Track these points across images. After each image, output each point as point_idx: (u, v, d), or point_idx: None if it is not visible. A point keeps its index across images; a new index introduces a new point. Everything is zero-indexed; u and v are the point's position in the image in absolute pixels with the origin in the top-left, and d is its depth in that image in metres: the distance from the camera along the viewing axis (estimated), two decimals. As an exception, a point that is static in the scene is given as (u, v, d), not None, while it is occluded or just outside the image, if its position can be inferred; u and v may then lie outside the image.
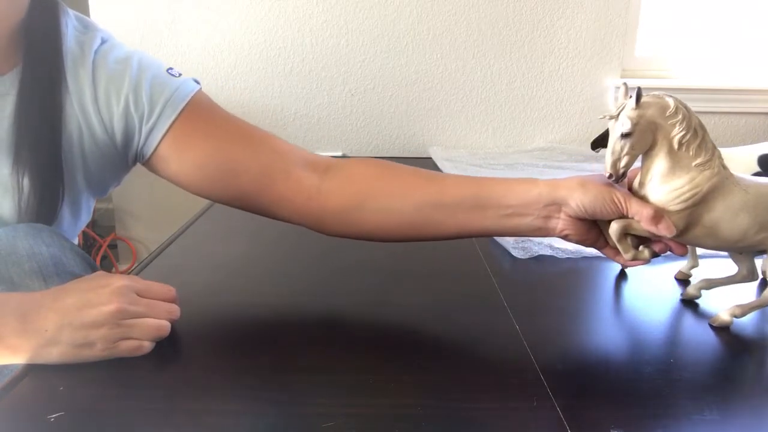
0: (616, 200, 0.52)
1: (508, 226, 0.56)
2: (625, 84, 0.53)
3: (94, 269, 0.56)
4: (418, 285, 0.69)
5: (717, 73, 1.71)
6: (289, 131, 1.66)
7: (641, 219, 0.51)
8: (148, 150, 0.61)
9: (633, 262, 0.55)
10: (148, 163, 0.63)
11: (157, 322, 0.49)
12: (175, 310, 0.52)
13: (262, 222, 0.65)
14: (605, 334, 0.57)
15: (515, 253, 0.79)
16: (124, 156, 0.63)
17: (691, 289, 0.64)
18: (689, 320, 0.61)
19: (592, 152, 0.59)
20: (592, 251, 0.78)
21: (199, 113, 0.61)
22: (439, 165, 1.42)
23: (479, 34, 1.61)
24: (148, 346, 0.49)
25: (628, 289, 0.69)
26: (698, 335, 0.57)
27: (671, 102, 0.50)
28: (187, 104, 0.60)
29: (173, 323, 0.52)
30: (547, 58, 1.64)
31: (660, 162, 0.51)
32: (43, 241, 0.53)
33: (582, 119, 1.69)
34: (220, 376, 0.48)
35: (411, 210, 0.58)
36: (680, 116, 0.50)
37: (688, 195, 0.50)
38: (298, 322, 0.59)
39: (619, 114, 0.51)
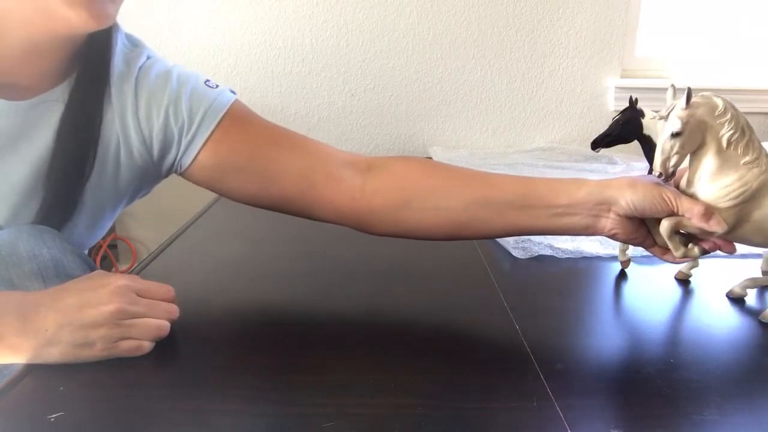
0: (666, 198, 0.52)
1: (557, 225, 0.57)
2: (672, 85, 0.53)
3: (93, 271, 0.56)
4: (418, 285, 0.69)
5: (717, 73, 1.71)
6: (289, 131, 1.66)
7: (692, 216, 0.52)
8: (187, 160, 0.61)
9: (683, 260, 0.55)
10: (186, 172, 0.63)
11: (156, 322, 0.50)
12: (174, 310, 0.52)
13: (262, 222, 0.65)
14: (605, 334, 0.57)
15: (515, 253, 0.79)
16: (158, 167, 0.63)
17: (737, 288, 0.64)
18: (689, 320, 0.61)
19: (592, 152, 0.59)
20: (591, 251, 0.78)
21: (237, 121, 0.62)
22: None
23: (479, 34, 1.61)
24: (147, 346, 0.49)
25: (628, 289, 0.69)
26: (699, 335, 0.57)
27: (720, 102, 0.51)
28: (225, 114, 0.61)
29: (173, 323, 0.52)
30: (547, 58, 1.64)
31: (709, 161, 0.52)
32: (44, 243, 0.53)
33: (582, 119, 1.69)
34: (220, 376, 0.48)
35: (459, 208, 0.58)
36: (729, 116, 0.51)
37: (738, 192, 0.51)
38: (298, 322, 0.59)
39: (668, 114, 0.52)
